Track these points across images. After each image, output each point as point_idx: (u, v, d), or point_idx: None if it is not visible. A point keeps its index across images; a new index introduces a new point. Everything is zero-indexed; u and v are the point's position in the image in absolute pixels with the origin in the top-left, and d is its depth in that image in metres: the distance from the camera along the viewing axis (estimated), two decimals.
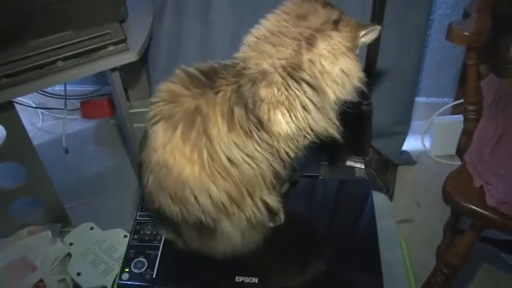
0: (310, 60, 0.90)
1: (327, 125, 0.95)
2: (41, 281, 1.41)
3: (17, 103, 1.38)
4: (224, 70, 0.94)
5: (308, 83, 0.90)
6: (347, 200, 1.26)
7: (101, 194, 1.77)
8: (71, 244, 1.51)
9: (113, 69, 1.36)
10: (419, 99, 1.92)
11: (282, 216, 1.14)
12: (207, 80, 0.93)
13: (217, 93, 0.91)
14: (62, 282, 1.43)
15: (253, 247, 1.06)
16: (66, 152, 1.91)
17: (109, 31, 1.32)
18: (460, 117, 1.24)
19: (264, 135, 0.91)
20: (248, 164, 0.91)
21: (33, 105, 2.12)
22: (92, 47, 1.30)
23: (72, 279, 1.44)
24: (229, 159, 0.90)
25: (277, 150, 0.93)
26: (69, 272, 1.44)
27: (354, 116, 1.68)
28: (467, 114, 1.20)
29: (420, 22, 1.57)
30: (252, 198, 0.95)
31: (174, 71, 0.96)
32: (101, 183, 1.81)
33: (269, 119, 0.90)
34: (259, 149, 0.91)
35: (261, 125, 0.90)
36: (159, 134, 0.92)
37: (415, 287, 1.16)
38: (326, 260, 1.10)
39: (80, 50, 1.29)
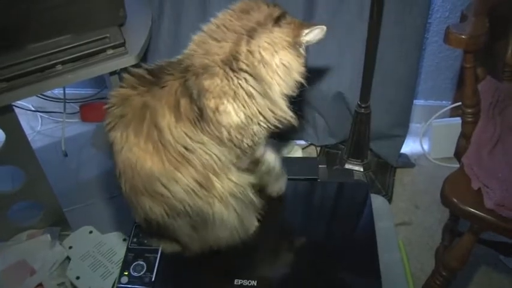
0: (249, 51, 0.95)
1: (276, 110, 0.98)
2: (40, 284, 1.41)
3: (16, 106, 1.38)
4: (170, 67, 0.98)
5: (246, 72, 0.95)
6: (346, 203, 1.26)
7: (99, 198, 1.77)
8: (70, 248, 1.52)
9: (112, 73, 1.36)
10: (418, 102, 1.93)
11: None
12: (154, 78, 0.97)
13: (163, 87, 0.95)
14: (61, 285, 1.43)
15: (252, 225, 1.06)
16: (65, 155, 1.91)
17: (108, 35, 1.33)
18: (458, 120, 1.25)
19: (207, 126, 0.94)
20: (203, 150, 0.95)
21: (33, 109, 2.13)
22: (91, 50, 1.30)
23: (72, 283, 1.44)
24: (183, 147, 0.93)
25: (228, 140, 0.96)
26: (68, 275, 1.44)
27: (352, 118, 1.70)
28: (465, 117, 1.20)
29: (418, 25, 1.57)
30: (219, 179, 0.98)
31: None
32: (100, 187, 1.81)
33: (217, 110, 0.94)
34: (205, 138, 0.95)
35: (202, 115, 0.94)
36: (117, 137, 0.96)
37: None
38: (325, 262, 1.10)
39: (79, 54, 1.29)
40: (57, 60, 1.27)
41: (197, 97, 0.94)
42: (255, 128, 0.99)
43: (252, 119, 0.97)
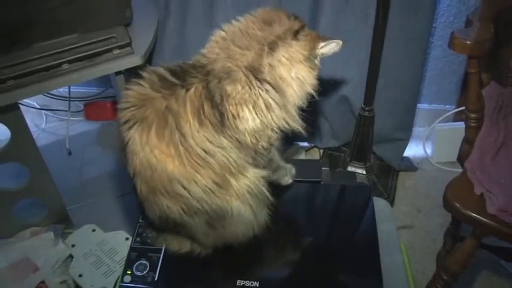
0: (270, 64, 0.98)
1: (290, 120, 1.02)
2: (43, 282, 1.42)
3: (21, 104, 1.39)
4: (194, 70, 0.99)
5: (269, 83, 0.98)
6: (348, 205, 1.26)
7: (103, 196, 1.77)
8: (72, 246, 1.52)
9: (118, 73, 1.37)
10: (421, 106, 1.93)
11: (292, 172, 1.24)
12: (178, 80, 0.97)
13: (188, 90, 0.96)
14: (63, 283, 1.43)
15: (265, 221, 1.07)
16: (70, 153, 1.92)
17: (114, 35, 1.33)
18: (461, 124, 1.25)
19: (228, 130, 0.96)
20: (221, 153, 0.96)
21: (37, 107, 2.14)
22: (97, 50, 1.31)
23: (74, 281, 1.44)
24: (204, 150, 0.95)
25: (245, 142, 0.99)
26: (70, 273, 1.45)
27: (356, 121, 1.70)
28: (469, 122, 1.21)
29: (423, 29, 1.58)
30: (235, 179, 1.00)
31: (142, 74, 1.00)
32: (103, 185, 1.82)
33: (237, 116, 0.96)
34: (225, 141, 0.97)
35: (223, 120, 0.96)
36: (136, 138, 0.96)
37: None
38: (327, 264, 1.10)
39: (85, 53, 1.30)
40: (64, 60, 1.28)
41: (220, 101, 0.95)
42: (269, 133, 1.01)
43: (266, 126, 1.00)
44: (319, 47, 1.02)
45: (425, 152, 1.93)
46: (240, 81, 0.96)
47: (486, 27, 1.12)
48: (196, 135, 0.94)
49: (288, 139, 1.09)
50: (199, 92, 0.96)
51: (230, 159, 0.97)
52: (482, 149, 1.17)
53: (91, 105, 2.12)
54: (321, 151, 1.95)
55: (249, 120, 0.97)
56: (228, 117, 0.96)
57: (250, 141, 0.99)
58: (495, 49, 1.17)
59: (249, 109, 0.97)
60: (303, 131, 1.05)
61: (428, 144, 1.94)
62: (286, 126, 1.02)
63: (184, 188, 0.96)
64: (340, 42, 1.03)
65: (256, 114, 0.97)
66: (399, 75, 1.67)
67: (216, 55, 1.00)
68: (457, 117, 1.88)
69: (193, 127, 0.94)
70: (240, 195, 1.01)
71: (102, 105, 2.09)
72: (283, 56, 0.98)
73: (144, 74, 1.00)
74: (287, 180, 1.23)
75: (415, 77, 1.70)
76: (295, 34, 1.00)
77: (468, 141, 1.22)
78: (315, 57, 1.02)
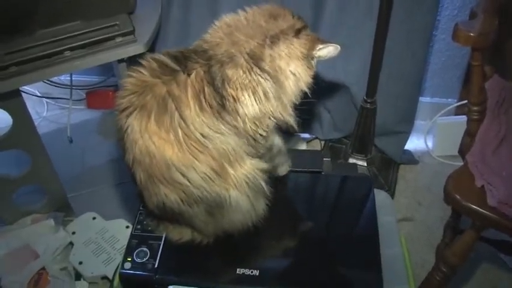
0: (271, 55, 1.00)
1: (284, 113, 1.04)
2: (43, 268, 1.42)
3: (23, 92, 1.39)
4: (196, 55, 1.00)
5: (268, 74, 1.00)
6: (349, 196, 1.26)
7: (104, 184, 1.78)
8: (73, 233, 1.53)
9: (120, 61, 1.37)
10: (424, 99, 1.92)
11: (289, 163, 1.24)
12: (179, 66, 0.98)
13: (189, 75, 0.97)
14: (63, 270, 1.44)
15: (262, 209, 1.08)
16: (71, 141, 1.93)
17: (117, 22, 1.33)
18: (463, 118, 1.25)
19: (227, 115, 0.97)
20: (220, 140, 0.97)
21: (39, 95, 2.13)
22: (99, 37, 1.30)
23: (74, 268, 1.45)
24: (203, 135, 0.96)
25: (244, 130, 1.00)
26: (71, 260, 1.46)
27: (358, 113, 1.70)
28: (471, 115, 1.20)
29: (426, 22, 1.57)
30: (233, 168, 1.00)
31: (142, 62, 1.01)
32: (104, 174, 1.82)
33: (238, 100, 0.98)
34: (223, 128, 0.97)
35: (224, 104, 0.97)
36: (135, 125, 0.96)
37: (414, 284, 1.16)
38: (327, 255, 1.11)
39: (87, 41, 1.29)
40: (66, 47, 1.28)
41: (221, 85, 0.97)
42: (268, 120, 1.03)
43: (265, 113, 1.01)
44: (317, 48, 1.04)
45: (427, 145, 1.93)
46: (241, 66, 0.98)
47: (490, 19, 1.12)
48: (196, 120, 0.95)
49: (289, 130, 1.10)
50: (201, 76, 0.96)
51: (229, 146, 0.98)
52: (484, 142, 1.17)
53: (93, 93, 2.12)
54: (322, 143, 1.95)
55: (248, 105, 0.98)
56: (228, 100, 0.97)
57: (250, 127, 1.00)
58: (499, 42, 1.16)
59: (248, 94, 0.98)
60: (295, 127, 1.07)
61: (430, 137, 1.94)
62: (281, 118, 1.04)
63: (183, 175, 0.96)
64: (338, 47, 1.06)
65: (256, 100, 0.99)
66: (402, 68, 1.66)
67: (219, 39, 1.01)
68: (459, 111, 1.88)
69: (193, 112, 0.95)
70: (238, 185, 1.01)
71: (104, 94, 2.09)
72: (283, 51, 1.01)
73: (144, 61, 1.00)
74: (285, 169, 1.24)
75: (418, 70, 1.69)
76: (297, 32, 1.03)
77: (470, 134, 1.22)
78: (312, 58, 1.05)
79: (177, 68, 0.97)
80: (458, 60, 1.81)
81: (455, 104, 1.88)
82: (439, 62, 1.83)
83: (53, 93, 2.12)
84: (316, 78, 1.07)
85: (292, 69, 1.02)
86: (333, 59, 1.08)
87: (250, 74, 0.98)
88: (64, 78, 2.04)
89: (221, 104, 0.96)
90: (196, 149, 0.95)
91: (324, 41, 1.05)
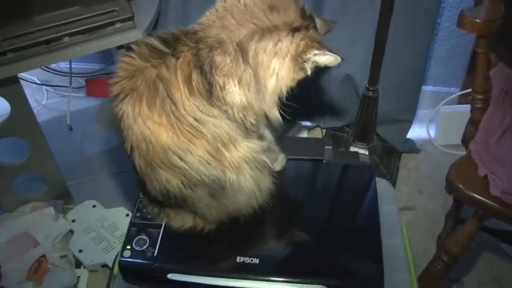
0: (256, 49, 0.95)
1: (265, 108, 1.00)
2: (43, 256, 1.42)
3: (22, 79, 1.37)
4: (185, 37, 0.97)
5: (250, 67, 0.96)
6: (350, 185, 1.25)
7: (103, 173, 1.77)
8: (73, 221, 1.53)
9: (119, 47, 1.35)
10: (426, 88, 1.91)
11: (282, 160, 1.20)
12: (168, 49, 0.96)
13: (178, 58, 0.94)
14: (63, 258, 1.44)
15: (269, 190, 1.06)
16: (70, 129, 1.92)
17: (116, 8, 1.31)
18: (466, 107, 1.24)
19: (216, 101, 0.95)
20: (213, 123, 0.95)
21: (38, 82, 2.12)
22: (99, 23, 1.29)
23: (74, 256, 1.45)
24: (195, 119, 0.94)
25: (234, 116, 0.97)
26: (71, 248, 1.46)
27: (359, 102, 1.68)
28: (475, 103, 1.19)
29: (431, 9, 1.55)
30: (229, 151, 0.98)
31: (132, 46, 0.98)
32: (104, 162, 1.82)
33: (224, 87, 0.95)
34: (216, 111, 0.95)
35: (211, 90, 0.94)
36: (129, 111, 0.95)
37: (415, 273, 1.16)
38: (327, 243, 1.10)
39: (86, 26, 1.28)
40: (65, 32, 1.26)
41: (209, 71, 0.94)
42: (254, 111, 0.99)
43: (251, 104, 0.98)
44: (312, 53, 0.97)
45: (429, 134, 1.92)
46: (230, 54, 0.95)
47: (496, 6, 1.10)
48: (187, 104, 0.93)
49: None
50: (188, 59, 0.94)
51: (222, 129, 0.96)
52: (488, 130, 1.15)
53: (92, 81, 2.10)
54: (324, 131, 1.94)
55: (235, 94, 0.96)
56: (216, 88, 0.95)
57: (238, 116, 0.98)
58: (504, 29, 1.15)
59: (234, 83, 0.95)
60: (279, 125, 1.04)
61: (432, 126, 1.93)
62: (263, 112, 1.00)
63: (181, 159, 0.95)
64: (339, 59, 0.98)
65: (241, 90, 0.96)
66: (405, 56, 1.65)
67: (211, 22, 0.98)
68: (461, 100, 1.86)
69: (183, 95, 0.93)
70: (235, 166, 0.99)
71: (104, 82, 2.07)
72: (269, 46, 0.95)
73: (134, 46, 0.98)
74: (278, 165, 1.20)
75: (421, 58, 1.68)
76: (294, 30, 0.96)
77: (473, 123, 1.20)
78: (304, 62, 0.98)
79: (166, 51, 0.95)
80: (462, 48, 1.79)
81: (458, 93, 1.87)
82: (443, 51, 1.81)
83: (52, 81, 2.11)
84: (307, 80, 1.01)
85: (276, 67, 0.97)
86: (336, 47, 1.03)
87: (236, 63, 0.95)
88: (64, 66, 2.03)
89: (209, 91, 0.94)
90: (190, 132, 0.94)
91: (322, 48, 0.97)
